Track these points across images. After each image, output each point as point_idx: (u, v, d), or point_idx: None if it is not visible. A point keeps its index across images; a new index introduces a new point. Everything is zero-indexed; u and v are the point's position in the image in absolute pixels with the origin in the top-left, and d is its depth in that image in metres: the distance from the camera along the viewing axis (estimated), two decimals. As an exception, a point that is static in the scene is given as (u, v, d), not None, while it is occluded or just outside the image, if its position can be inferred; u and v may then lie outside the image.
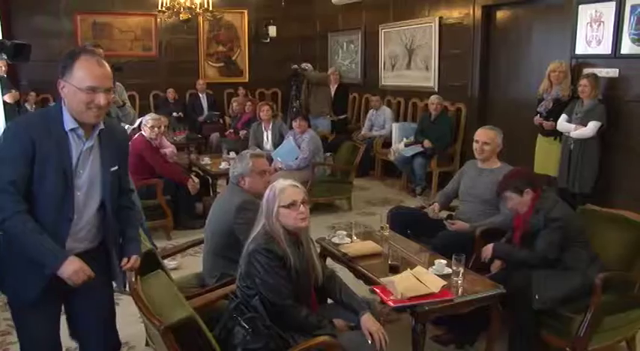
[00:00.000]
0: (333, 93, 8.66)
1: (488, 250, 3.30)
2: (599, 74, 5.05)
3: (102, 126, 2.21)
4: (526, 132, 5.68)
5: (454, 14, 7.17)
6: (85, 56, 2.11)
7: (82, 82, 2.07)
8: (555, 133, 5.25)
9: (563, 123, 5.09)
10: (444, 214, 4.11)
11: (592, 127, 4.85)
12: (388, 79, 8.67)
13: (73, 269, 2.07)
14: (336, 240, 3.57)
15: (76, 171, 2.16)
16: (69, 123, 2.13)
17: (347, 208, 6.46)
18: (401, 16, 8.18)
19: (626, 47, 5.01)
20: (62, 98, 2.14)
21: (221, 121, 9.65)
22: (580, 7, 5.42)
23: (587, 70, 5.20)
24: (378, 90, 8.72)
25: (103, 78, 2.12)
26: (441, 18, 7.38)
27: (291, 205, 2.50)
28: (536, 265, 3.08)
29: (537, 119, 5.39)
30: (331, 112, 8.34)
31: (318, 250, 3.23)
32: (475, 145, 3.96)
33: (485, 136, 3.93)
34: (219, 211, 3.21)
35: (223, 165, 6.18)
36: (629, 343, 3.26)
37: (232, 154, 6.37)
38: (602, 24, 5.21)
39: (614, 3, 5.09)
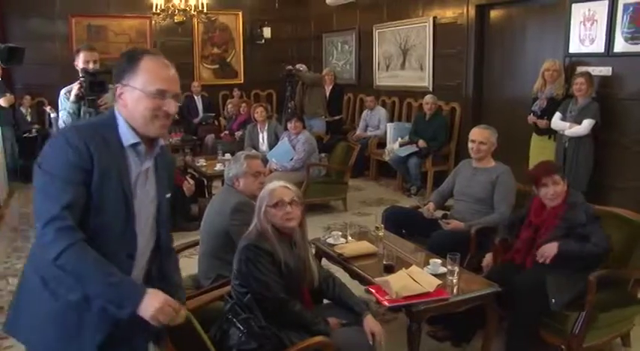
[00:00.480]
0: (327, 94, 8.67)
1: (551, 248, 3.04)
2: (592, 72, 5.08)
3: (162, 142, 1.89)
4: (521, 131, 5.70)
5: (448, 14, 7.19)
6: (150, 56, 1.79)
7: (148, 85, 1.74)
8: (550, 132, 5.27)
9: (557, 121, 5.11)
10: (439, 213, 4.12)
11: (586, 125, 4.86)
12: (383, 79, 8.68)
13: (157, 305, 1.65)
14: (331, 240, 3.57)
15: (135, 196, 1.80)
16: (129, 137, 1.77)
17: (342, 208, 6.45)
18: (395, 16, 8.19)
19: (619, 45, 5.03)
20: (118, 108, 1.80)
21: (216, 122, 9.65)
22: (573, 5, 5.44)
23: (580, 69, 5.22)
24: (373, 90, 8.73)
25: (172, 81, 1.80)
26: (435, 18, 7.40)
27: (278, 205, 2.54)
28: (598, 258, 3.04)
29: (531, 118, 5.40)
30: (326, 112, 8.34)
31: (313, 250, 3.23)
32: (471, 145, 3.96)
33: (480, 136, 3.94)
34: (214, 212, 3.21)
35: (218, 166, 6.19)
36: (623, 340, 3.29)
37: (227, 156, 6.37)
38: (595, 22, 5.22)
39: (607, 2, 5.11)
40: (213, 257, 3.14)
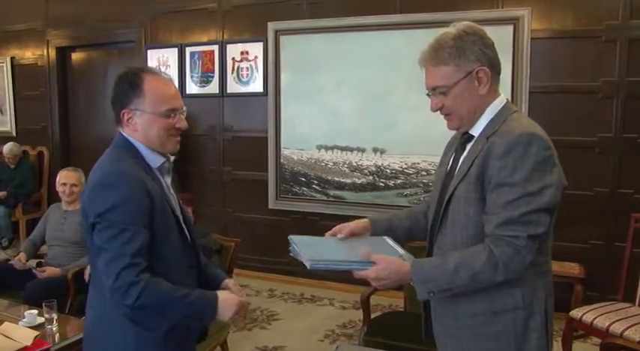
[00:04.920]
0: None
1: None
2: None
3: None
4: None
5: (27, 55, 6.94)
6: (150, 76, 1.78)
7: (157, 106, 1.75)
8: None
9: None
10: (32, 262, 3.95)
11: (167, 161, 5.31)
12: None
13: (232, 306, 1.74)
14: None
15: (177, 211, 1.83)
16: (155, 158, 1.78)
17: None
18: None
19: (191, 88, 5.70)
20: (128, 133, 1.79)
21: None
22: (149, 51, 5.91)
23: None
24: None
25: (177, 97, 1.81)
26: (13, 58, 7.03)
27: None
28: None
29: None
30: None
31: None
32: (63, 188, 3.95)
33: (73, 178, 3.98)
34: None
35: None
36: (222, 347, 3.67)
37: None
38: (169, 67, 5.78)
39: (177, 49, 5.72)
40: None
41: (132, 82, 1.77)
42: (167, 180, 1.85)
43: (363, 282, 1.69)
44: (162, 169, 1.83)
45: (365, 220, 1.93)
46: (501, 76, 1.71)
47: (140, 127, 1.77)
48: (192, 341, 1.95)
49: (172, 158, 1.90)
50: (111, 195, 1.64)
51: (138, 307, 1.61)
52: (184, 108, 1.84)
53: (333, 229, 1.87)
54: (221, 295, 1.76)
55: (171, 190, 1.87)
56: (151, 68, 1.89)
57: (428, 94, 1.71)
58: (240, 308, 1.77)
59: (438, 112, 1.71)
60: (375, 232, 1.92)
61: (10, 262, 3.88)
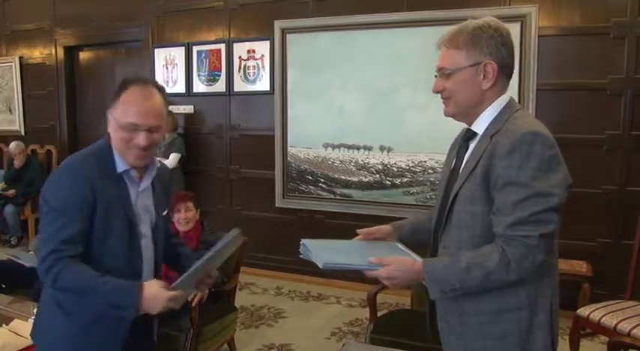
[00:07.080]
0: None
1: None
2: (176, 111, 5.63)
3: (158, 164, 1.96)
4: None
5: (35, 54, 6.97)
6: (135, 87, 1.79)
7: (122, 117, 1.77)
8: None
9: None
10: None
11: (173, 158, 5.32)
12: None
13: (160, 302, 1.71)
14: None
15: (138, 218, 1.87)
16: (120, 164, 1.83)
17: None
18: (-27, 56, 7.52)
19: (198, 87, 5.70)
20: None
21: None
22: (156, 50, 5.92)
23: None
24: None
25: (146, 114, 1.77)
26: (21, 57, 7.07)
27: None
28: None
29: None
30: None
31: None
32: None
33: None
34: None
35: None
36: (230, 344, 3.70)
37: None
38: (176, 66, 5.79)
39: (184, 48, 5.73)
40: None
41: (119, 88, 1.81)
42: (142, 185, 1.89)
43: (370, 280, 1.69)
44: (130, 176, 1.85)
45: (387, 226, 1.95)
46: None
47: (111, 131, 1.83)
48: (121, 336, 1.84)
49: (157, 163, 1.96)
50: (56, 184, 1.77)
51: (58, 288, 1.74)
52: (159, 127, 1.81)
53: (361, 230, 1.91)
54: (148, 289, 1.71)
55: (149, 195, 1.92)
56: (148, 81, 1.85)
57: (435, 75, 1.73)
58: (170, 302, 1.71)
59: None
60: (401, 235, 1.93)
61: (19, 261, 3.90)
